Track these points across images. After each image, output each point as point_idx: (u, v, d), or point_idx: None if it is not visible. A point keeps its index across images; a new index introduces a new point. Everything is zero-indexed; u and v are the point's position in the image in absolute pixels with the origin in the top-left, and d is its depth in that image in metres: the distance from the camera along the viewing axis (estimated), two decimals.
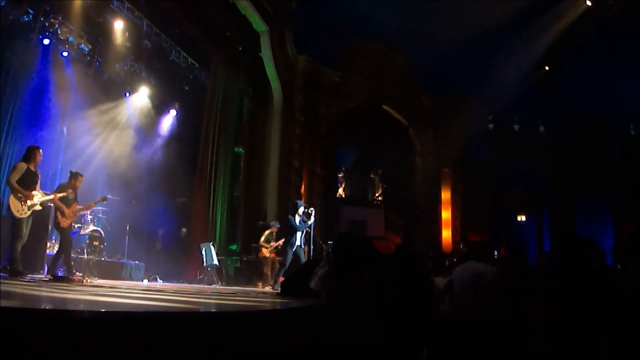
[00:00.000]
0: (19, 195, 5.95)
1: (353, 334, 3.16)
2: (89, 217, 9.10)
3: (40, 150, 6.39)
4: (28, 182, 6.07)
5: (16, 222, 5.94)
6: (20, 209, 5.94)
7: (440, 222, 16.84)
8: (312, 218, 8.52)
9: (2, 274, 5.69)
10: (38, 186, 6.28)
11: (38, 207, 6.25)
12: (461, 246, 14.97)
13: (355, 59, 16.57)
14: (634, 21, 13.05)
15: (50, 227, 7.44)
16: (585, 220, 16.71)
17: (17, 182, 5.98)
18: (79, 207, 7.06)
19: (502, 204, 16.94)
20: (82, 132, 10.54)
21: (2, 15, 8.24)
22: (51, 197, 6.47)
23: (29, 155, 6.20)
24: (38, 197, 6.19)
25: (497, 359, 3.60)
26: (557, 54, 15.45)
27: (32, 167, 6.17)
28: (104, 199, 7.88)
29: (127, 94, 11.76)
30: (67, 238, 6.71)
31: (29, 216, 6.07)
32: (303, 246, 8.45)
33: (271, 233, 10.24)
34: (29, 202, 6.02)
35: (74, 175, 6.97)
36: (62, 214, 6.58)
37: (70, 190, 6.69)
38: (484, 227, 16.66)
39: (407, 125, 17.25)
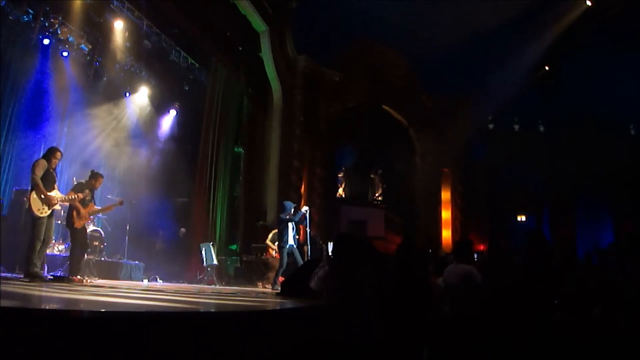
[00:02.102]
0: (42, 195, 5.83)
1: (353, 334, 3.16)
2: None
3: (60, 153, 6.28)
4: (48, 182, 5.97)
5: (36, 222, 5.82)
6: (40, 208, 5.82)
7: (440, 222, 16.86)
8: (303, 211, 8.54)
9: (4, 274, 5.68)
10: (56, 186, 6.19)
11: (58, 207, 6.15)
12: None
13: (355, 59, 16.59)
14: (634, 21, 13.05)
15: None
16: (585, 220, 16.72)
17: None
18: (95, 208, 6.96)
19: (502, 204, 16.95)
20: (82, 132, 10.53)
21: (2, 15, 8.23)
22: (71, 198, 6.35)
23: (49, 154, 6.10)
24: (58, 197, 6.08)
25: (496, 358, 3.59)
26: (557, 54, 15.46)
27: (50, 168, 6.06)
28: (122, 202, 7.75)
29: (127, 94, 11.75)
30: (80, 238, 6.56)
31: (49, 216, 5.95)
32: (302, 246, 8.46)
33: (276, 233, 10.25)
34: (50, 202, 5.92)
35: (94, 176, 6.85)
36: (78, 214, 6.45)
37: (87, 192, 6.58)
38: (484, 227, 16.68)
39: (407, 125, 17.27)
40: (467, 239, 12.16)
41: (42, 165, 5.95)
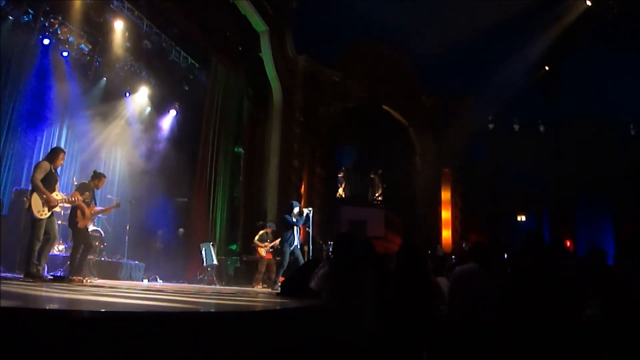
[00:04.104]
0: (43, 196, 5.81)
1: (353, 334, 3.16)
2: None
3: (64, 154, 6.28)
4: (49, 183, 5.95)
5: (36, 223, 5.80)
6: (41, 210, 5.80)
7: (440, 222, 16.86)
8: (306, 212, 8.53)
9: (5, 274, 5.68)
10: (57, 187, 6.16)
11: (58, 209, 6.15)
12: (463, 245, 15.01)
13: (355, 59, 16.59)
14: (634, 21, 13.05)
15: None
16: (585, 220, 16.72)
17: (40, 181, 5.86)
18: (97, 209, 6.98)
19: (502, 204, 16.95)
20: (82, 132, 10.55)
21: (2, 15, 8.23)
22: (72, 199, 6.36)
23: (52, 156, 6.08)
24: (59, 198, 6.06)
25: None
26: (557, 54, 15.46)
27: (53, 169, 6.05)
28: (119, 204, 7.81)
29: (127, 94, 11.76)
30: (83, 238, 6.53)
31: (49, 217, 5.93)
32: (302, 246, 8.48)
33: (266, 233, 10.23)
34: (51, 204, 5.91)
35: (97, 176, 6.86)
36: (83, 214, 6.44)
37: (87, 194, 6.58)
38: (484, 227, 16.68)
39: (407, 125, 17.28)
40: (482, 241, 12.15)
41: (44, 167, 5.93)
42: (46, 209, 5.87)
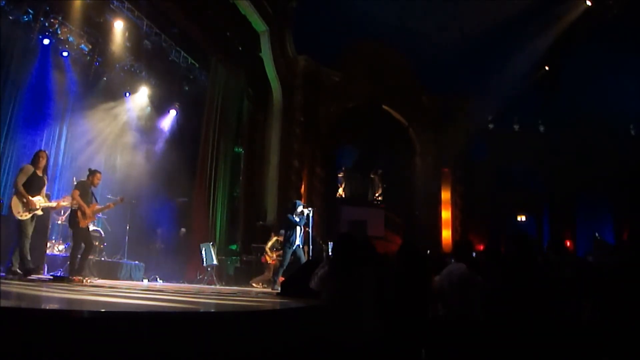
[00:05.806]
0: (23, 199, 5.93)
1: (353, 334, 3.16)
2: None
3: (45, 153, 6.41)
4: (33, 186, 6.05)
5: (21, 223, 5.94)
6: (20, 212, 5.92)
7: (440, 222, 16.84)
8: (306, 212, 8.52)
9: (1, 274, 5.70)
10: (43, 191, 6.25)
11: (39, 212, 6.21)
12: None
13: (355, 59, 16.58)
14: (634, 21, 13.05)
15: (49, 227, 7.42)
16: (585, 220, 16.71)
17: (24, 184, 5.98)
18: (98, 207, 6.98)
19: (502, 204, 16.94)
20: (82, 132, 10.55)
21: (2, 15, 8.24)
22: (53, 205, 6.55)
23: (34, 159, 6.18)
24: (40, 202, 6.13)
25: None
26: (557, 54, 15.45)
27: (38, 172, 6.14)
28: (122, 199, 7.80)
29: (127, 94, 11.76)
30: (84, 237, 6.55)
31: (30, 217, 6.05)
32: (302, 246, 8.46)
33: (277, 240, 10.23)
34: (30, 207, 6.01)
35: (92, 173, 6.86)
36: (84, 214, 6.47)
37: (74, 203, 6.65)
38: (484, 227, 16.66)
39: (407, 125, 17.26)
40: (466, 239, 12.15)
41: (26, 170, 6.06)
42: (26, 212, 5.99)
